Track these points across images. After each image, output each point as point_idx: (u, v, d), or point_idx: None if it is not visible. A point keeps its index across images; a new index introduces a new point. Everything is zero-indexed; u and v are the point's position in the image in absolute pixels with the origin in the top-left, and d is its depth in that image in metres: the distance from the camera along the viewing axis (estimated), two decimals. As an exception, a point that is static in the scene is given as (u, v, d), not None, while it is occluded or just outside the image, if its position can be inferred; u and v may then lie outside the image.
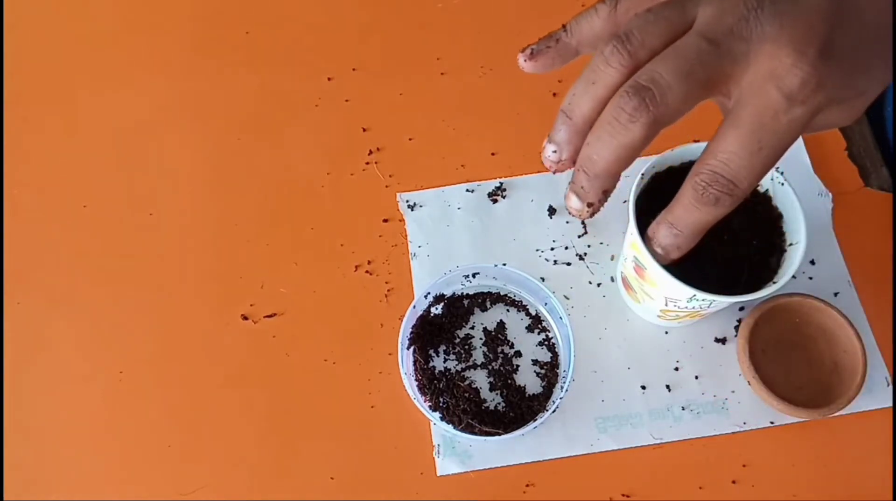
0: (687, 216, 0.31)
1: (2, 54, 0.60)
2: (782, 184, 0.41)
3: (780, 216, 0.42)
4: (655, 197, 0.42)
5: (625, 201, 0.40)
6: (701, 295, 0.39)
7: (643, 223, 0.39)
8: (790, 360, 0.46)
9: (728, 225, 0.42)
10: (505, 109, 0.56)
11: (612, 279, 0.50)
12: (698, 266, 0.41)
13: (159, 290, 0.51)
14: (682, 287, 0.38)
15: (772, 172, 0.41)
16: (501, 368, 0.47)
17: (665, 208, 0.33)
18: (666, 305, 0.43)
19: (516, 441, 0.46)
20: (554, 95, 0.56)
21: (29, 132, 0.57)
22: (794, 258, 0.40)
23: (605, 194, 0.31)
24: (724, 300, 0.39)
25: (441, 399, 0.46)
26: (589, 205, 0.31)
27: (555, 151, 0.31)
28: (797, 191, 0.41)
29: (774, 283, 0.39)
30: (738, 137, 0.28)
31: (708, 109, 0.55)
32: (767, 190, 0.42)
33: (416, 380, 0.47)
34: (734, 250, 0.42)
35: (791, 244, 0.41)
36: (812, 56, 0.27)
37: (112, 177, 0.55)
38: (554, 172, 0.32)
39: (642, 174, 0.41)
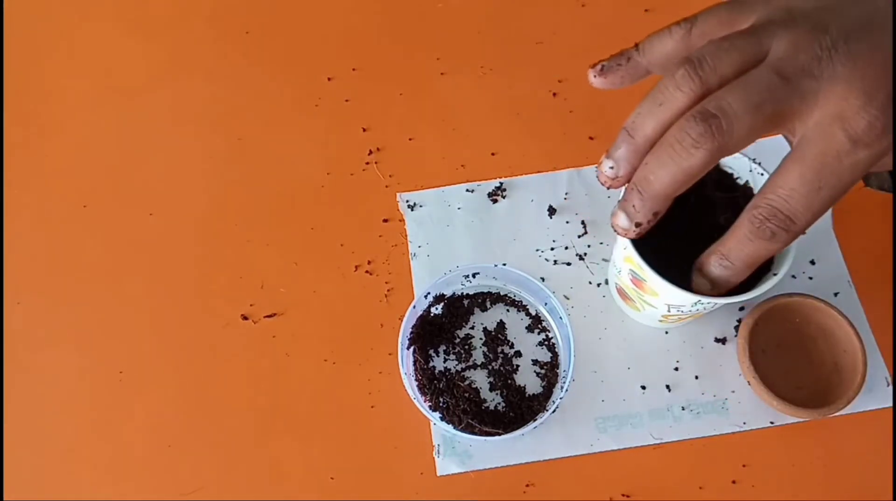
0: (741, 249, 0.31)
1: (2, 54, 0.60)
2: (762, 174, 0.42)
3: None
4: None
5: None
6: (706, 299, 0.39)
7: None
8: (790, 360, 0.46)
9: (715, 223, 0.42)
10: (505, 109, 0.56)
11: (607, 282, 0.50)
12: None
13: (159, 290, 0.51)
14: (685, 294, 0.38)
15: (750, 164, 0.42)
16: (501, 368, 0.47)
17: (717, 241, 0.33)
18: (668, 311, 0.43)
19: (516, 440, 0.46)
20: (554, 95, 0.56)
21: (29, 132, 0.57)
22: (789, 246, 0.40)
23: (656, 215, 0.31)
24: (728, 301, 0.39)
25: (441, 399, 0.46)
26: (637, 225, 0.31)
27: (612, 167, 0.31)
28: None
29: (775, 275, 0.39)
30: (800, 175, 0.28)
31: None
32: (747, 181, 0.43)
33: (416, 380, 0.47)
34: None
35: None
36: (881, 100, 0.27)
37: (112, 177, 0.55)
38: (608, 187, 0.32)
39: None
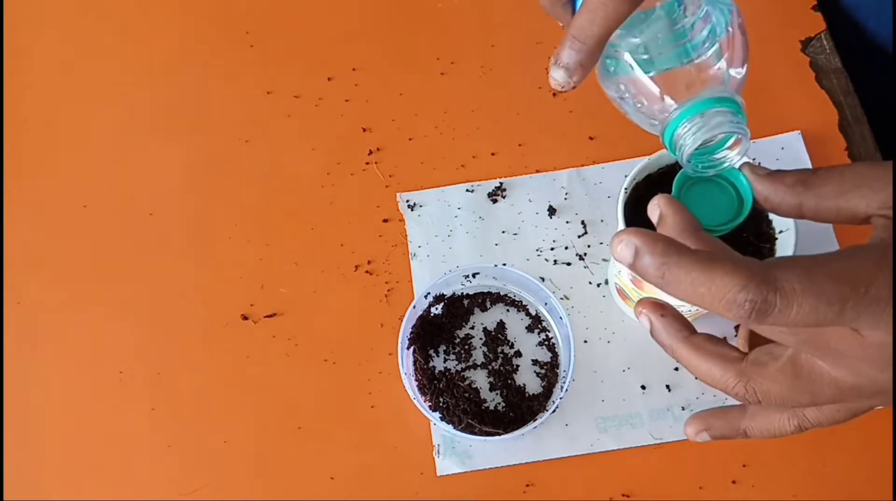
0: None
1: (2, 54, 0.60)
2: None
3: None
4: (640, 208, 0.42)
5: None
6: None
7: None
8: (790, 360, 0.46)
9: None
10: (505, 109, 0.56)
11: (607, 282, 0.50)
12: None
13: (159, 290, 0.51)
14: None
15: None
16: (501, 368, 0.47)
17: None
18: None
19: (516, 440, 0.46)
20: (554, 95, 0.56)
21: (29, 132, 0.57)
22: (787, 246, 0.40)
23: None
24: None
25: (441, 399, 0.46)
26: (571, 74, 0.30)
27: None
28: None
29: None
30: None
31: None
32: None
33: (416, 380, 0.47)
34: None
35: (781, 232, 0.41)
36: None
37: (112, 177, 0.55)
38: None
39: (625, 189, 0.41)
